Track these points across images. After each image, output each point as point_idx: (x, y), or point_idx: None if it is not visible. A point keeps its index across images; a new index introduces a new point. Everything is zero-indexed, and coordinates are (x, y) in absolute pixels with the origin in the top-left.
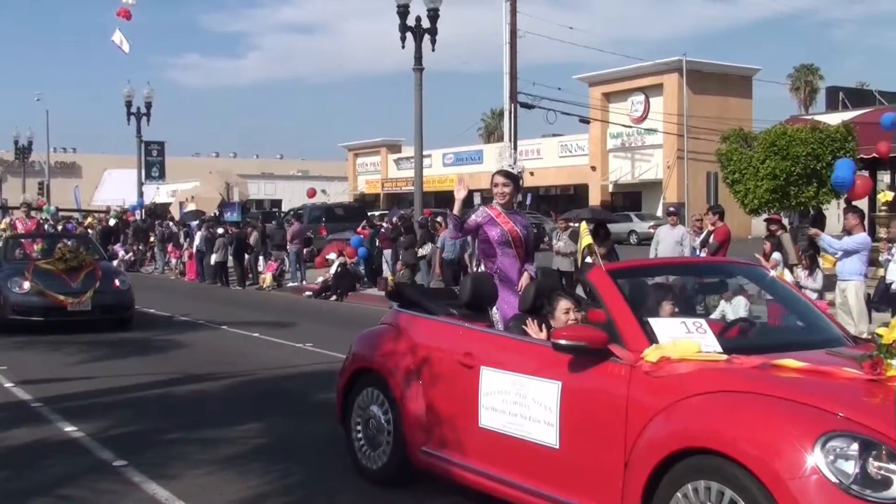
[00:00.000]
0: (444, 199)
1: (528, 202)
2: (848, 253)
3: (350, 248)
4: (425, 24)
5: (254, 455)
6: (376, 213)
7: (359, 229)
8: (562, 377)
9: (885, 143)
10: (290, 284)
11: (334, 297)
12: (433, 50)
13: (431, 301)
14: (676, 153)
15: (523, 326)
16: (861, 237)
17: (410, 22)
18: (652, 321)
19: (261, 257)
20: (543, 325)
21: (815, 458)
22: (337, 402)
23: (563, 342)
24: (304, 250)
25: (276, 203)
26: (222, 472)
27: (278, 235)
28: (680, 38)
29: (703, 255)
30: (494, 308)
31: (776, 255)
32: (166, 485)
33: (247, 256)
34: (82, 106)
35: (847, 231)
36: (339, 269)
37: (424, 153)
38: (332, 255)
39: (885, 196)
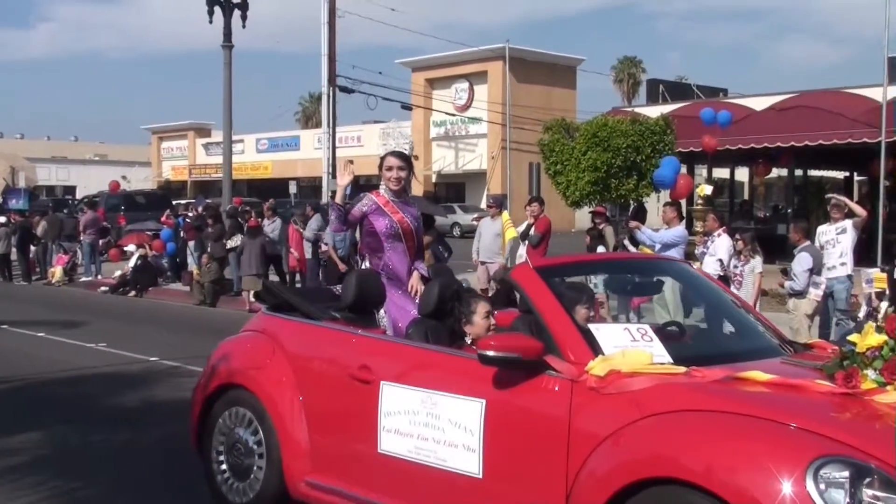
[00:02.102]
0: (258, 187)
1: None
2: (666, 246)
3: (158, 241)
4: None
5: (32, 468)
6: (182, 202)
7: (162, 219)
8: (486, 394)
9: (711, 138)
10: (84, 279)
11: (133, 293)
12: (244, 27)
13: (309, 303)
14: (500, 143)
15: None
16: (679, 230)
17: None
18: (593, 327)
19: (53, 248)
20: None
21: (807, 488)
22: (191, 425)
23: (491, 353)
24: (100, 241)
25: (70, 190)
26: None
27: (69, 225)
28: (507, 25)
29: (523, 248)
30: (382, 311)
31: (600, 249)
32: None
33: (33, 248)
34: None
35: (666, 224)
36: (139, 261)
37: (236, 138)
38: (130, 247)
39: (702, 190)
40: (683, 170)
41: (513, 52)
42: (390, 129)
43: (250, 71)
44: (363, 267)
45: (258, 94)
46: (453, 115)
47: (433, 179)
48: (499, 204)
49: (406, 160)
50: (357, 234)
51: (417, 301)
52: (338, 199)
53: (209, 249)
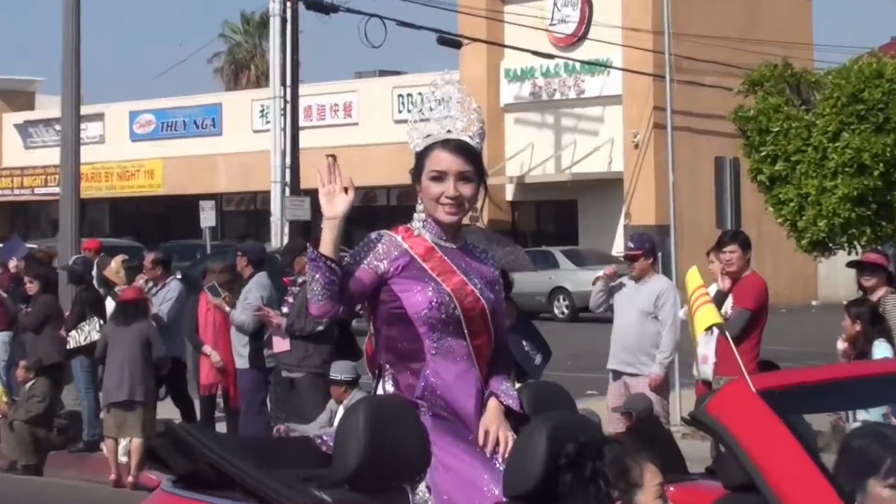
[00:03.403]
0: (134, 213)
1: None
2: None
3: None
4: None
5: None
6: None
7: None
8: None
9: None
10: None
11: None
12: None
13: (263, 470)
14: (652, 115)
15: None
16: None
17: None
18: None
19: None
20: None
21: None
22: None
23: None
24: None
25: None
26: None
27: None
28: None
29: (710, 340)
30: (421, 486)
31: (881, 349)
32: None
33: None
34: None
35: None
36: None
37: (89, 111)
38: None
39: None
40: None
41: None
42: (426, 87)
43: None
44: (381, 392)
45: (134, 24)
46: (549, 55)
47: (507, 194)
48: (648, 249)
49: (472, 157)
50: (367, 323)
51: (501, 465)
52: (323, 246)
53: (30, 351)
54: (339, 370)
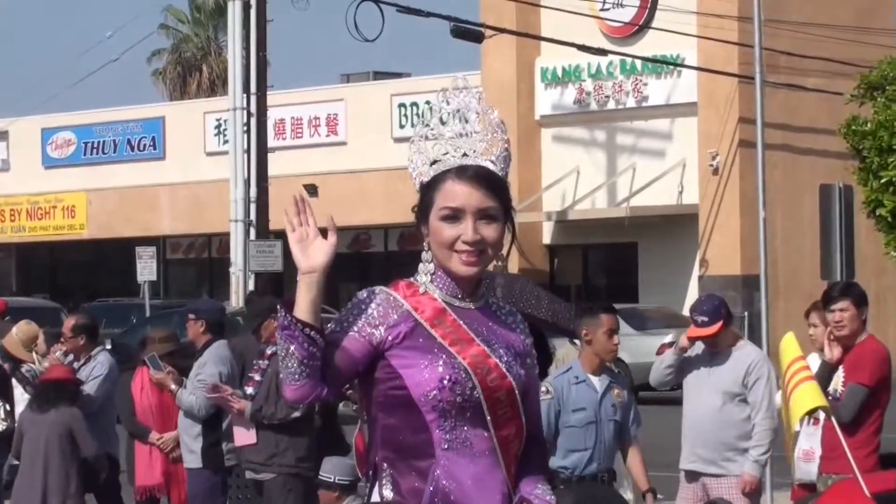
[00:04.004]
0: (49, 263)
1: None
2: None
3: None
4: None
5: None
6: None
7: None
8: None
9: None
10: None
11: None
12: None
13: None
14: (737, 128)
15: None
16: None
17: None
18: None
19: None
20: None
21: None
22: None
23: None
24: None
25: None
26: None
27: None
28: None
29: (808, 424)
30: None
31: None
32: None
33: None
34: None
35: None
36: None
37: None
38: None
39: None
40: None
41: None
42: (435, 94)
43: None
44: (376, 499)
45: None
46: (601, 49)
47: (544, 235)
48: (726, 315)
49: (496, 188)
50: (355, 409)
51: None
52: (300, 309)
53: None
54: (333, 469)
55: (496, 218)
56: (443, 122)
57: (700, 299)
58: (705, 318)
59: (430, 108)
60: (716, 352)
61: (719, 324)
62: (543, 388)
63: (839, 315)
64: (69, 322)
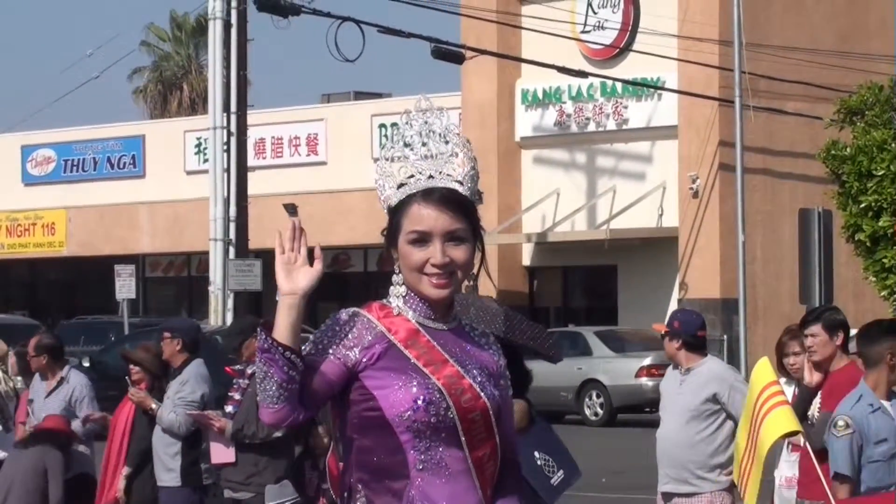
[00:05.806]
0: (29, 280)
1: None
2: None
3: None
4: None
5: None
6: None
7: None
8: None
9: None
10: None
11: None
12: None
13: None
14: (717, 150)
15: None
16: None
17: None
18: None
19: None
20: None
21: None
22: None
23: None
24: None
25: None
26: None
27: None
28: None
29: (786, 453)
30: None
31: None
32: None
33: None
34: None
35: None
36: None
37: None
38: None
39: None
40: None
41: None
42: (409, 116)
43: None
44: None
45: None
46: (581, 72)
47: (524, 257)
48: (690, 331)
49: (464, 210)
50: (328, 433)
51: None
52: (279, 331)
53: None
54: (279, 494)
55: (465, 239)
56: (406, 145)
57: (680, 311)
58: (678, 325)
59: (397, 130)
60: (685, 372)
61: (679, 342)
62: (842, 423)
63: (810, 340)
64: (33, 341)
